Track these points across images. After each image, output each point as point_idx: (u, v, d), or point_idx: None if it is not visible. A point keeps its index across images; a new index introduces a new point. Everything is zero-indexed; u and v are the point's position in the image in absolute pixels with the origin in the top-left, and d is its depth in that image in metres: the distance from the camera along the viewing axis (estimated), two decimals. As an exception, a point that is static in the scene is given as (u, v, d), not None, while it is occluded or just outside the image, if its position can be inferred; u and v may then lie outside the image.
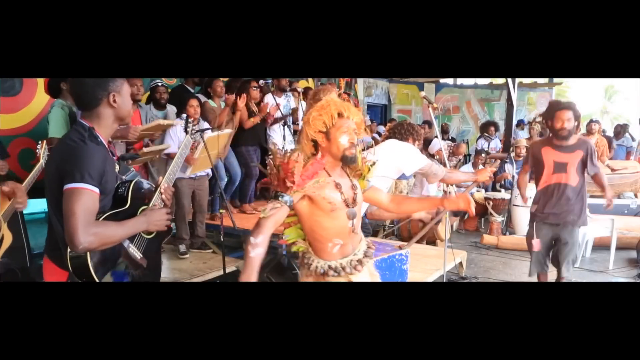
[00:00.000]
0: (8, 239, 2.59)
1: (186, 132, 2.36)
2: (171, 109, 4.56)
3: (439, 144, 5.85)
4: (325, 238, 1.82)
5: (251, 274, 1.61)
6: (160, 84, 4.45)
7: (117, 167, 1.76)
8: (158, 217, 1.73)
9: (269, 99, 5.25)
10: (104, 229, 1.56)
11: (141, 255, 1.77)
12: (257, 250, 1.63)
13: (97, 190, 1.55)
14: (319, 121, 1.76)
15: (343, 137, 1.75)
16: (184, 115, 3.12)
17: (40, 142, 2.76)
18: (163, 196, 1.83)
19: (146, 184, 1.87)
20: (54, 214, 1.67)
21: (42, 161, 2.65)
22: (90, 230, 1.49)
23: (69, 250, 1.57)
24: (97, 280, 1.59)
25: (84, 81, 1.66)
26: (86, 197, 1.51)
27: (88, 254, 1.57)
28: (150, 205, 1.79)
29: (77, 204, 1.49)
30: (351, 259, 1.85)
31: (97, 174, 1.56)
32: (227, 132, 4.38)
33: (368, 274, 1.95)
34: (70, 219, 1.48)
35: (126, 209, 1.71)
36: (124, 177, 1.81)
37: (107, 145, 1.70)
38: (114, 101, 1.67)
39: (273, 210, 1.67)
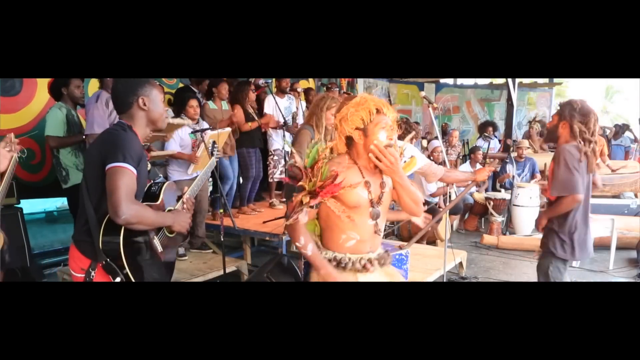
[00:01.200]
0: None
1: (212, 155, 2.51)
2: (169, 111, 4.56)
3: (437, 143, 5.86)
4: (341, 229, 1.78)
5: (326, 267, 1.70)
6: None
7: (149, 165, 1.91)
8: (183, 218, 1.90)
9: (270, 101, 5.24)
10: (143, 209, 1.70)
11: (162, 249, 1.87)
12: (309, 247, 1.71)
13: (135, 172, 1.68)
14: (357, 117, 1.73)
15: (382, 133, 1.73)
16: (209, 135, 3.11)
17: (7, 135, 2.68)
18: (185, 205, 1.98)
19: (174, 189, 2.04)
20: (88, 198, 1.75)
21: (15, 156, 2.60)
22: (132, 206, 1.63)
23: (102, 233, 1.69)
24: (126, 267, 1.69)
25: (115, 86, 1.82)
26: (128, 175, 1.65)
27: (121, 239, 1.67)
28: (177, 207, 1.96)
29: (121, 180, 1.63)
30: (362, 256, 1.81)
31: (136, 157, 1.70)
32: (227, 130, 4.38)
33: (384, 274, 1.88)
34: (114, 193, 1.61)
35: (158, 204, 1.86)
36: (155, 180, 2.00)
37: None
38: (144, 104, 1.81)
39: (297, 215, 1.66)
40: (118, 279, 1.68)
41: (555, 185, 2.62)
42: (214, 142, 2.54)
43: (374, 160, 1.73)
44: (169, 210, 1.93)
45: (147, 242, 1.81)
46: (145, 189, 1.92)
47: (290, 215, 1.68)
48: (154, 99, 1.84)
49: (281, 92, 5.48)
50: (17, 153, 2.05)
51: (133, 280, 1.70)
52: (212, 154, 2.46)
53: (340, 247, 1.80)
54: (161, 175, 2.14)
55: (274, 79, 6.02)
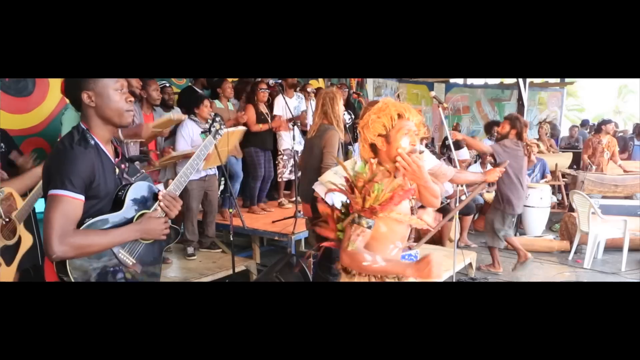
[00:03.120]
0: (27, 240, 2.53)
1: (210, 132, 2.13)
2: (177, 111, 4.58)
3: (466, 155, 5.86)
4: (390, 239, 1.73)
5: (407, 270, 1.60)
6: (167, 85, 4.48)
7: (116, 170, 1.66)
8: (154, 225, 1.65)
9: (279, 101, 5.24)
10: (82, 239, 1.50)
11: (134, 262, 1.67)
12: (377, 259, 1.60)
13: (79, 196, 1.50)
14: (378, 124, 1.70)
15: (404, 139, 1.69)
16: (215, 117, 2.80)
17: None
18: (161, 204, 1.69)
19: (148, 187, 1.75)
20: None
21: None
22: (66, 240, 1.45)
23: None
24: (72, 280, 1.53)
25: (65, 82, 1.63)
26: (65, 204, 1.47)
27: (67, 263, 1.51)
28: (151, 210, 1.70)
29: (54, 211, 1.46)
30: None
31: (79, 180, 1.50)
32: (241, 129, 4.35)
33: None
34: (46, 227, 1.44)
35: (120, 212, 1.63)
36: (132, 180, 1.72)
37: (104, 147, 1.63)
38: (90, 100, 1.59)
39: (358, 237, 1.61)
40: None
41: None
42: (216, 115, 2.25)
43: (400, 167, 1.69)
44: (141, 215, 1.68)
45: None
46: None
47: (351, 239, 1.60)
48: (102, 92, 1.58)
49: (290, 88, 5.49)
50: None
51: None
52: (209, 131, 2.13)
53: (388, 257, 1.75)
54: (142, 171, 1.86)
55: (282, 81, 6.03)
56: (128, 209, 1.66)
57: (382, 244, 1.72)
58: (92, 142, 1.59)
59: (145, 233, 1.65)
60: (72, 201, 1.49)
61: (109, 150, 1.66)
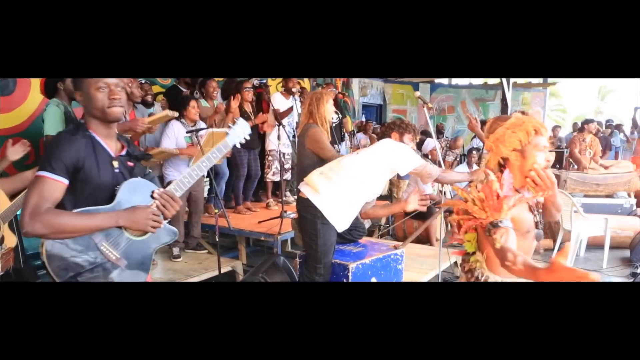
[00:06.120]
0: (10, 240, 2.50)
1: (227, 135, 2.00)
2: (158, 107, 4.56)
3: (432, 144, 5.87)
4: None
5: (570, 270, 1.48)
6: (144, 82, 4.47)
7: (115, 163, 1.67)
8: (140, 215, 1.61)
9: (276, 99, 5.24)
10: (55, 218, 1.50)
11: (117, 256, 1.63)
12: (517, 260, 1.50)
13: (58, 178, 1.54)
14: (514, 139, 1.71)
15: (540, 155, 1.70)
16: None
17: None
18: (157, 202, 1.67)
19: (148, 186, 1.72)
20: None
21: None
22: (38, 217, 1.48)
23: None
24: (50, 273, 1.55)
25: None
26: (42, 184, 1.52)
27: (44, 248, 1.53)
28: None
29: (32, 190, 1.52)
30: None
31: (60, 163, 1.54)
32: (224, 130, 4.35)
33: None
34: (24, 204, 1.51)
35: (109, 206, 1.61)
36: (138, 178, 1.72)
37: (103, 141, 1.67)
38: (82, 99, 1.67)
39: (505, 236, 1.59)
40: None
41: None
42: (238, 119, 2.09)
43: (530, 183, 1.71)
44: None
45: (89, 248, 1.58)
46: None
47: (498, 241, 1.58)
48: (86, 91, 1.65)
49: (287, 92, 5.49)
50: None
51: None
52: (226, 133, 2.02)
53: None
54: (150, 170, 1.85)
55: (268, 79, 6.03)
56: (120, 204, 1.63)
57: None
58: (87, 134, 1.65)
59: (129, 222, 1.61)
60: (50, 181, 1.53)
61: (108, 145, 1.70)
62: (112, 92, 1.65)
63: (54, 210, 1.53)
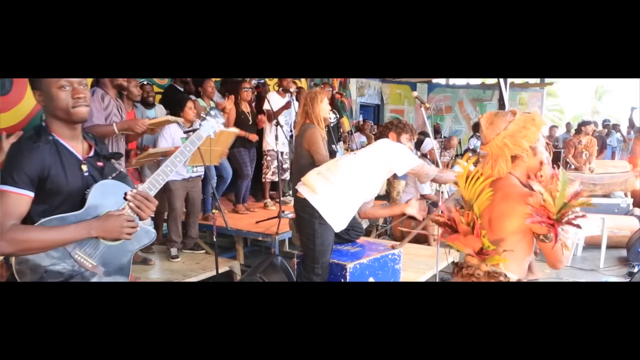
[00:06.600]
0: None
1: (200, 127, 1.89)
2: (159, 108, 4.55)
3: (431, 144, 5.87)
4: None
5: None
6: (145, 83, 4.46)
7: (84, 167, 1.58)
8: (113, 223, 1.53)
9: (272, 99, 5.24)
10: (22, 234, 1.42)
11: (93, 264, 1.56)
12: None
13: (22, 191, 1.45)
14: (532, 134, 1.69)
15: (545, 151, 1.70)
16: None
17: None
18: (130, 204, 1.57)
19: (120, 187, 1.63)
20: None
21: None
22: (4, 236, 1.40)
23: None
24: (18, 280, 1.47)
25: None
26: (6, 199, 1.43)
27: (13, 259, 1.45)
28: (119, 209, 1.59)
29: None
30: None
31: (23, 175, 1.45)
32: (234, 131, 4.36)
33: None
34: None
35: (80, 212, 1.54)
36: (109, 178, 1.64)
37: (68, 144, 1.58)
38: (41, 99, 1.56)
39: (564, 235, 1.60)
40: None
41: None
42: (212, 109, 1.99)
43: (539, 178, 1.70)
44: (105, 214, 1.57)
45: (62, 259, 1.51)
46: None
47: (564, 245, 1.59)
48: (47, 90, 1.53)
49: (284, 91, 5.50)
50: None
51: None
52: (199, 127, 1.91)
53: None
54: (121, 170, 1.74)
55: (265, 79, 6.03)
56: (92, 209, 1.55)
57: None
58: (50, 138, 1.54)
59: (102, 231, 1.53)
60: (13, 196, 1.44)
61: (74, 147, 1.59)
62: (76, 90, 1.54)
63: (19, 226, 1.44)
